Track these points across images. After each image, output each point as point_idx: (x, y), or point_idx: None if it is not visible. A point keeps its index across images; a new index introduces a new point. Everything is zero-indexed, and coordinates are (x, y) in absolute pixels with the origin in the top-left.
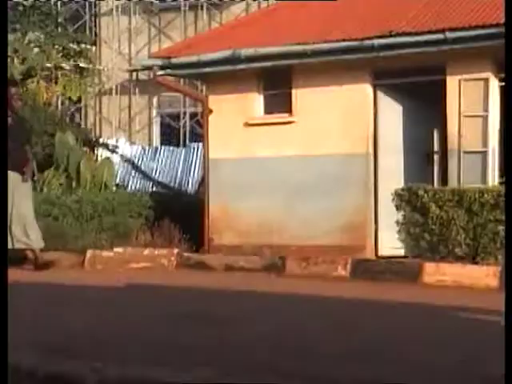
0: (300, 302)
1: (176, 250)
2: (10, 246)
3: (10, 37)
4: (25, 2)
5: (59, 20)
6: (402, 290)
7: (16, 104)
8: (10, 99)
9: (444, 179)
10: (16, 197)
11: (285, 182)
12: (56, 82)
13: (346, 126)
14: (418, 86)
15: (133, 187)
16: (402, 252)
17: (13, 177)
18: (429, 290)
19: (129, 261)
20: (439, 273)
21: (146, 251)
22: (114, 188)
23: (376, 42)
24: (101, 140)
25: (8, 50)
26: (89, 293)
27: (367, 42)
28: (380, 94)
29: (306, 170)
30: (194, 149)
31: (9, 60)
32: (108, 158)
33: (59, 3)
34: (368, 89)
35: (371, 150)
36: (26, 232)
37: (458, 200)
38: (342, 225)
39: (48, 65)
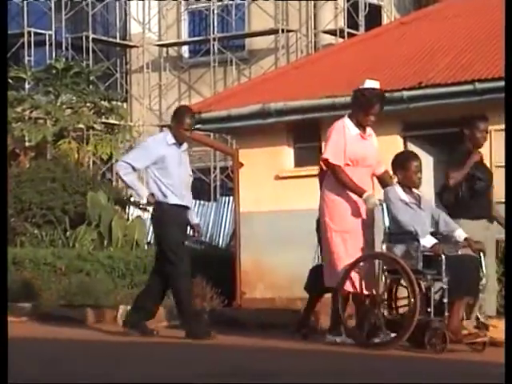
0: None
1: (208, 308)
2: None
3: (43, 99)
4: (57, 65)
5: (91, 78)
6: None
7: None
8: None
9: None
10: None
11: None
12: (87, 143)
13: None
14: (449, 136)
15: None
16: None
17: None
18: None
19: (161, 319)
20: None
21: None
22: (146, 247)
23: (405, 93)
24: (132, 198)
25: (42, 111)
26: None
27: (397, 94)
28: (410, 146)
29: None
30: (224, 203)
31: (41, 122)
32: (139, 217)
33: (91, 62)
34: (398, 140)
35: None
36: None
37: None
38: None
39: (80, 125)
